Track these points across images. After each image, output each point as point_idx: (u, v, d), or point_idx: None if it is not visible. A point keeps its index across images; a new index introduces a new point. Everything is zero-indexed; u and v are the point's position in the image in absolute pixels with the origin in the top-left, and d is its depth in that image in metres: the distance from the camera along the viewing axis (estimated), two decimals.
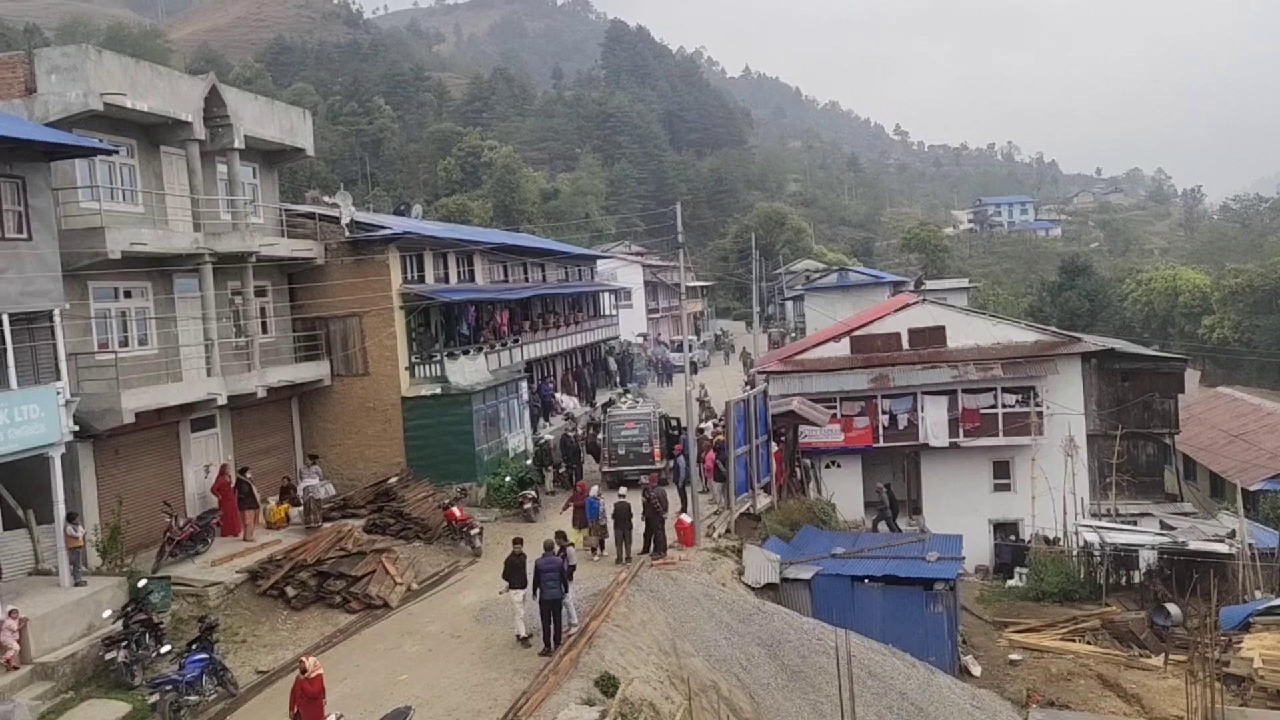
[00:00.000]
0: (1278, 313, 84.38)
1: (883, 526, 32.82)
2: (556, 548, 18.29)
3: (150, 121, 21.80)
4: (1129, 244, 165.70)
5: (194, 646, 16.23)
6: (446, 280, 32.04)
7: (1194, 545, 29.26)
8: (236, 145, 23.78)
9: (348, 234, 27.38)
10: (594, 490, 25.16)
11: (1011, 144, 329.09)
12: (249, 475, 23.23)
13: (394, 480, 25.94)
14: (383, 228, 28.46)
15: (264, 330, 26.09)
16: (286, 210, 27.85)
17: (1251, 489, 34.68)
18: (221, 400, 22.75)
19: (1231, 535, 29.64)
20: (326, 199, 30.84)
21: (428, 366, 28.47)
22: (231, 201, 24.26)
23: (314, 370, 27.15)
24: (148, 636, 16.72)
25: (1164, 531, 31.65)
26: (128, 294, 21.74)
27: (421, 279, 29.93)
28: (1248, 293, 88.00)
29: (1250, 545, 28.82)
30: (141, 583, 18.05)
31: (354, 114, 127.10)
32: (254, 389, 24.01)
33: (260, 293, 25.94)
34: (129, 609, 17.09)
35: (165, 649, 16.77)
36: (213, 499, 22.87)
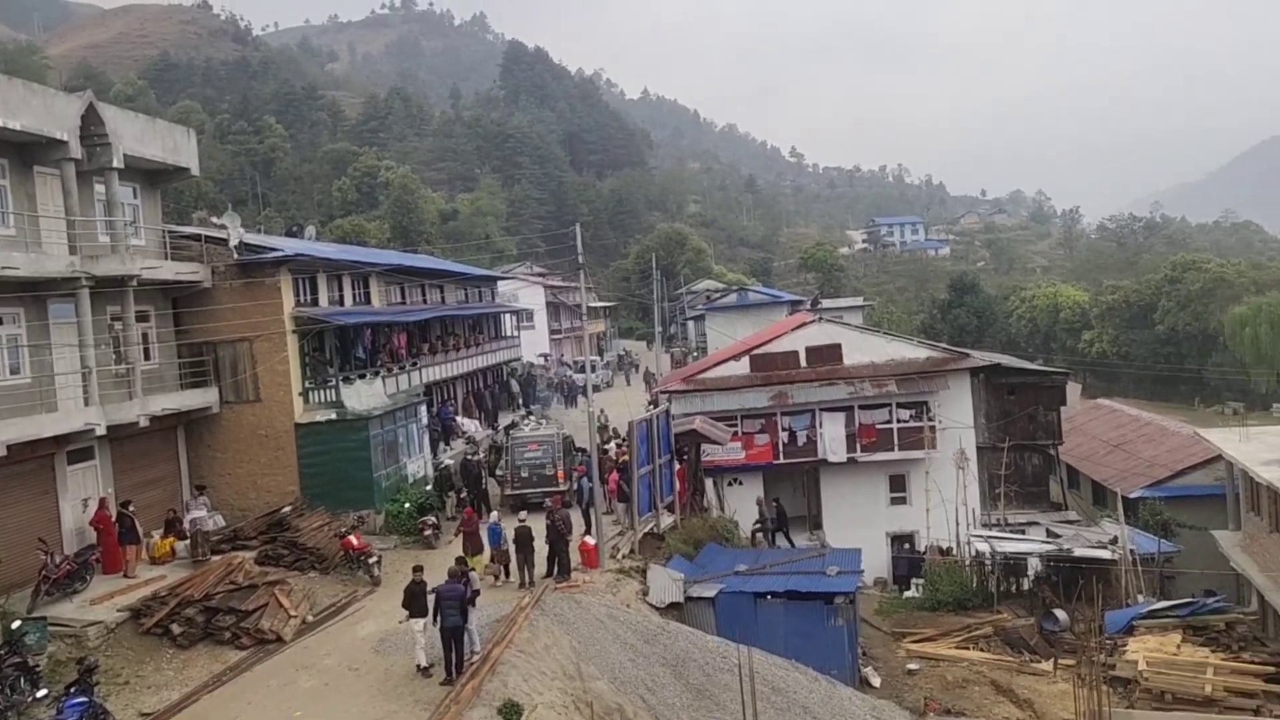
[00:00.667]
0: (1152, 327, 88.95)
1: (780, 540, 33.12)
2: (460, 574, 18.00)
3: (23, 140, 20.78)
4: (1013, 263, 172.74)
5: (72, 690, 15.33)
6: (342, 303, 31.35)
7: (1079, 552, 30.42)
8: (115, 165, 22.82)
9: (236, 256, 26.52)
10: (494, 516, 24.87)
11: (902, 166, 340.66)
12: (131, 509, 22.19)
13: (288, 509, 25.11)
14: (273, 249, 27.69)
15: (146, 357, 25.05)
16: (170, 232, 26.82)
17: (1131, 496, 36.35)
18: (100, 430, 21.69)
19: (1114, 542, 30.96)
20: (214, 220, 29.87)
21: (323, 391, 27.72)
22: (110, 223, 23.27)
23: (201, 397, 26.17)
24: (23, 680, 15.80)
25: (1050, 539, 32.86)
26: None
27: (315, 302, 29.21)
28: (1124, 308, 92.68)
29: (1131, 551, 30.16)
30: (16, 624, 17.05)
31: (243, 133, 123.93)
32: (135, 418, 23.00)
33: (142, 317, 24.91)
34: (3, 652, 16.10)
35: (41, 693, 15.83)
36: (92, 534, 21.77)
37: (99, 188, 23.28)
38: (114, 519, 21.74)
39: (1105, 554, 30.31)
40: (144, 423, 23.35)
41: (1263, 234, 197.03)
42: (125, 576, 21.32)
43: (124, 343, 23.82)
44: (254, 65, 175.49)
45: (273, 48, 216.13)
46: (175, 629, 19.25)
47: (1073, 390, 50.88)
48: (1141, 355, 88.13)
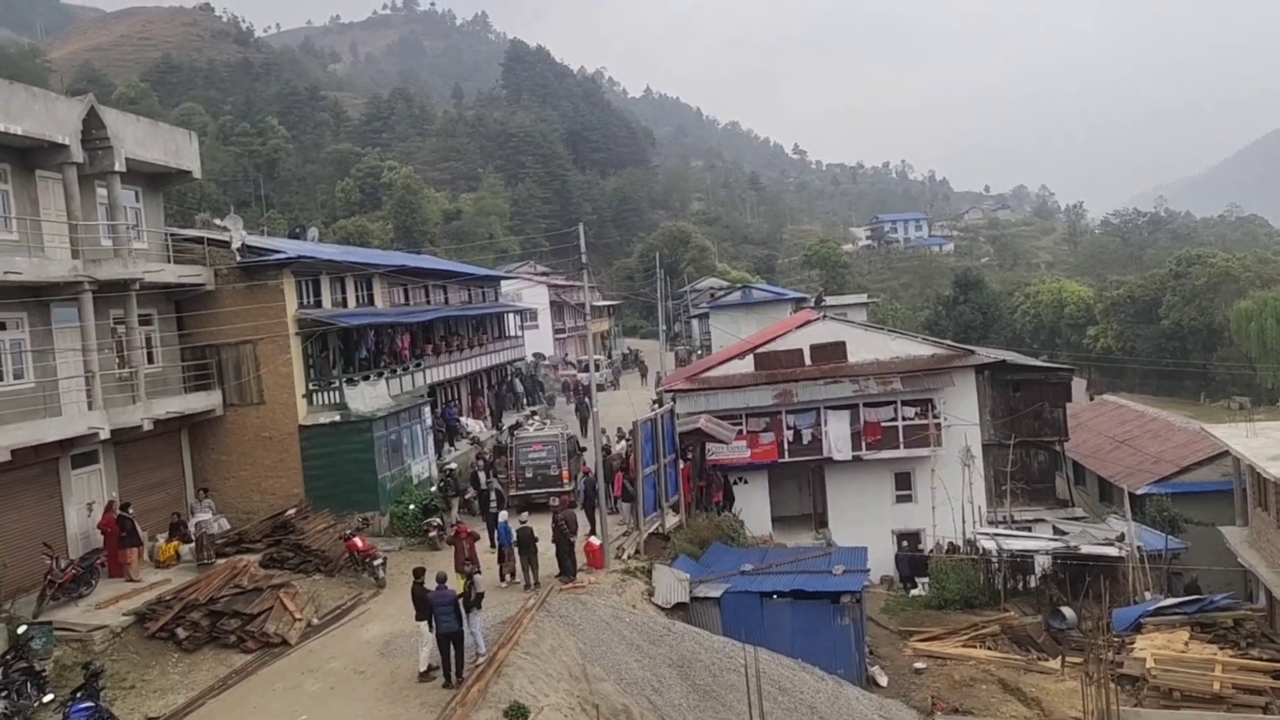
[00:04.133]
0: (1157, 322, 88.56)
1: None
2: (446, 577, 17.93)
3: (25, 145, 20.75)
4: (1017, 258, 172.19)
5: (79, 694, 15.32)
6: (345, 304, 31.34)
7: (1085, 549, 30.29)
8: (117, 168, 22.79)
9: (239, 258, 26.52)
10: (504, 515, 24.82)
11: (905, 162, 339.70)
12: (131, 511, 22.15)
13: (292, 512, 25.11)
14: (276, 251, 27.66)
15: (150, 360, 25.04)
16: (173, 235, 26.82)
17: (1137, 493, 36.14)
18: (104, 434, 21.68)
19: (1120, 538, 30.81)
20: (217, 222, 29.86)
21: (326, 393, 27.72)
22: (113, 227, 23.24)
23: (205, 400, 26.16)
24: (29, 685, 15.78)
25: (1057, 537, 32.74)
26: (1, 325, 20.60)
27: (318, 303, 29.19)
28: (1128, 303, 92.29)
29: (1138, 548, 29.99)
30: (21, 629, 17.01)
31: (246, 134, 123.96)
32: (139, 421, 22.96)
33: (145, 321, 24.90)
34: (8, 657, 16.11)
35: (48, 698, 15.81)
36: (98, 538, 21.77)
37: (101, 191, 23.26)
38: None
39: (1112, 551, 30.18)
40: (148, 426, 23.32)
41: (1268, 227, 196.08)
42: (127, 580, 21.31)
43: (127, 346, 23.81)
44: (256, 67, 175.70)
45: (275, 49, 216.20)
46: (181, 632, 19.22)
47: (1078, 386, 50.79)
48: (1146, 350, 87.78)
